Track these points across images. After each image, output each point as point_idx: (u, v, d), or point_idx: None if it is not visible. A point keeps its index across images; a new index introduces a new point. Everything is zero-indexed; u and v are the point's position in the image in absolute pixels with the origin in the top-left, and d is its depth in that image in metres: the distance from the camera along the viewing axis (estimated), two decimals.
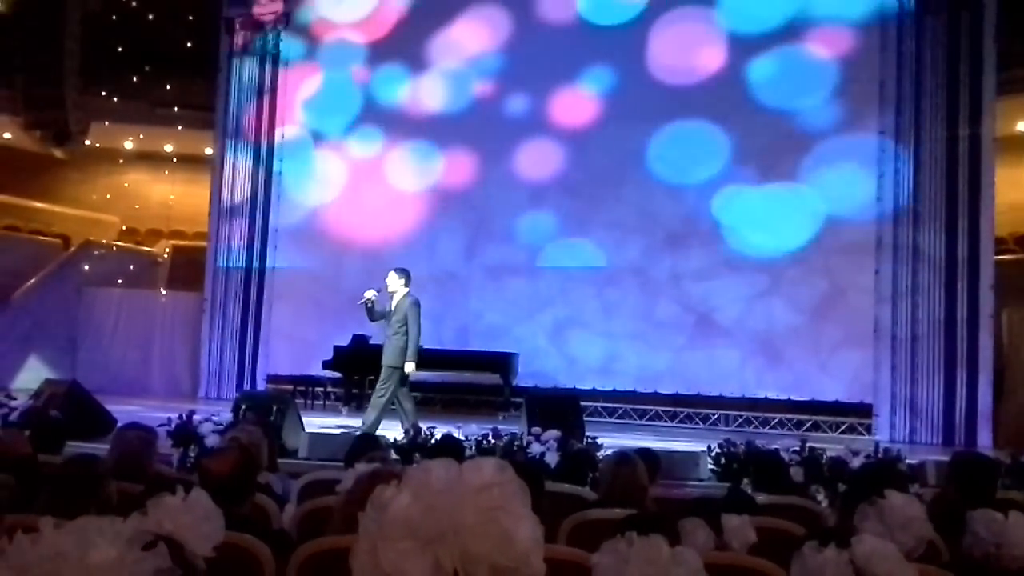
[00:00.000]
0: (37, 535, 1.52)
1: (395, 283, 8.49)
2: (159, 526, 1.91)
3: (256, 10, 13.71)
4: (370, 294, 8.44)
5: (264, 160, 13.59)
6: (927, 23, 10.90)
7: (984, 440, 10.12)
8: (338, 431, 8.31)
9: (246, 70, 13.73)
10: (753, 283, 11.41)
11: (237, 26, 13.80)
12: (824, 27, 11.34)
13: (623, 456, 3.88)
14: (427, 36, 12.96)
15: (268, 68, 13.69)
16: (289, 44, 13.70)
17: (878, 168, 11.02)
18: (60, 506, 2.45)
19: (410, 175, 12.95)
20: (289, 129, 13.62)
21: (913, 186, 10.81)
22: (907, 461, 6.59)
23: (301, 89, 13.64)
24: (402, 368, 8.26)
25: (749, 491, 4.82)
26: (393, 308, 8.42)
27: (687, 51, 11.89)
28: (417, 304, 8.42)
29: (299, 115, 13.63)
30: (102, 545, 1.51)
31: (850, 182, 11.10)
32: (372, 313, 8.51)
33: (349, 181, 13.27)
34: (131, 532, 1.61)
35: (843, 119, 11.21)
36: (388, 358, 8.31)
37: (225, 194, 13.71)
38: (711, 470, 6.58)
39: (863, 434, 10.69)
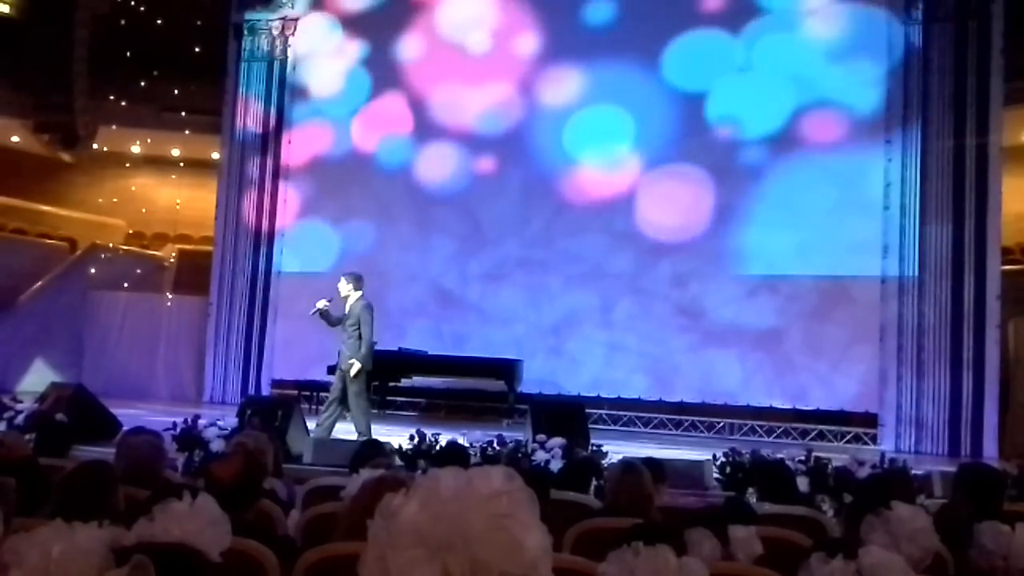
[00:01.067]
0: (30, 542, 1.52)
1: (346, 288, 8.83)
2: (166, 531, 1.92)
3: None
4: (321, 303, 8.77)
5: (271, 165, 13.60)
6: (934, 32, 10.89)
7: (990, 451, 10.09)
8: (342, 437, 8.30)
9: (254, 75, 13.75)
10: (758, 293, 11.39)
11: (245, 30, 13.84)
12: (830, 37, 11.34)
13: (629, 465, 3.87)
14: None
15: (276, 72, 13.70)
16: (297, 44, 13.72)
17: (885, 177, 11.01)
18: (68, 511, 2.44)
19: (416, 176, 12.95)
20: (296, 131, 13.63)
21: (920, 196, 10.80)
22: (913, 472, 6.57)
23: (311, 85, 13.65)
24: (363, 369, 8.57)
25: (754, 500, 4.82)
26: (347, 312, 8.71)
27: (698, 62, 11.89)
28: (370, 308, 8.73)
29: (306, 112, 13.64)
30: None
31: (857, 191, 11.09)
32: (328, 320, 8.83)
33: (357, 179, 13.26)
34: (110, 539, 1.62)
35: (849, 128, 11.20)
36: (346, 362, 8.58)
37: (232, 199, 13.73)
38: (716, 479, 6.57)
39: (868, 444, 10.66)
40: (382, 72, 13.20)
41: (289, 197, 13.56)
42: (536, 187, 12.41)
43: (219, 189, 14.08)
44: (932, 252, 10.72)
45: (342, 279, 9.00)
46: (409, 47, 13.14)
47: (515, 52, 12.64)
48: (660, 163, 11.94)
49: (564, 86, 12.35)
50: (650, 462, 4.35)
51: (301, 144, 13.60)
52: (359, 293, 8.76)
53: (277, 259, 13.46)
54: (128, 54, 17.05)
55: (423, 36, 13.08)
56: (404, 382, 12.16)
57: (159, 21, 17.20)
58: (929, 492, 6.08)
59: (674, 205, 11.86)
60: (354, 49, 13.43)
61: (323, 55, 13.62)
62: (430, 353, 11.67)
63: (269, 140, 13.63)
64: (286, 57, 13.72)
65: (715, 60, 11.81)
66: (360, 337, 8.58)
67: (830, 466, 6.38)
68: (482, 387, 11.87)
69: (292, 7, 13.74)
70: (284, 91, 13.68)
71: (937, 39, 10.86)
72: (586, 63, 12.25)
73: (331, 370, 11.39)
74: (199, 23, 16.68)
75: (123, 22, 17.26)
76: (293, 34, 13.71)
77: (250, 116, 13.72)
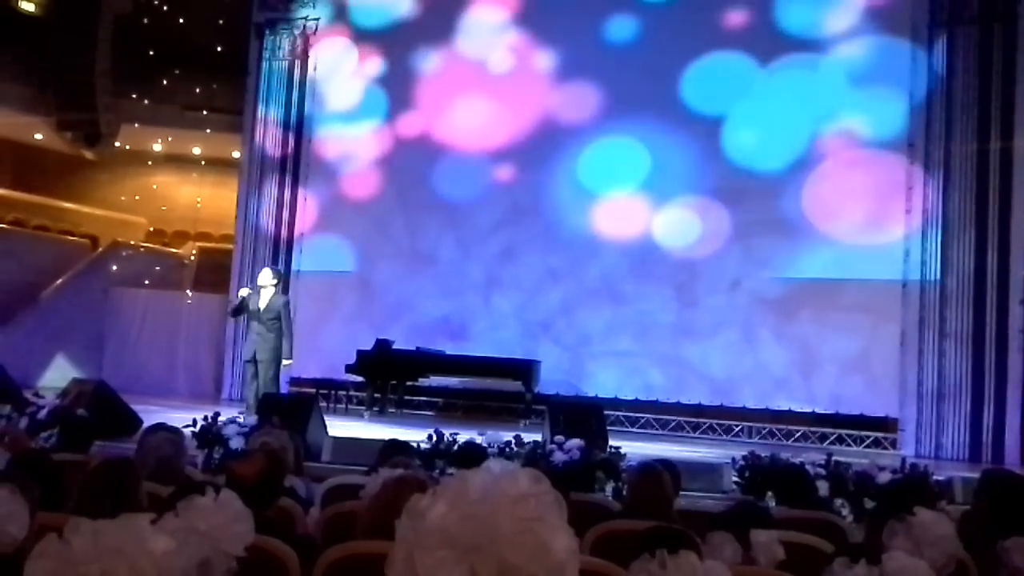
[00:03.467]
0: (81, 531, 1.55)
1: (269, 280, 9.32)
2: (191, 526, 1.93)
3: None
4: (244, 292, 9.42)
5: (291, 163, 13.66)
6: (958, 34, 10.80)
7: (1012, 457, 9.98)
8: (362, 436, 8.32)
9: (275, 74, 13.81)
10: (778, 296, 11.34)
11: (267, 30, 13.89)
12: (851, 37, 11.27)
13: (648, 466, 3.86)
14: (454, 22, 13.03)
15: (297, 71, 13.76)
16: (318, 43, 13.78)
17: (907, 180, 10.93)
18: (91, 507, 2.47)
19: (433, 187, 12.98)
20: (317, 127, 13.69)
21: (943, 200, 10.71)
22: (934, 477, 6.52)
23: (330, 91, 13.71)
24: (279, 362, 9.08)
25: (773, 504, 4.80)
26: (264, 306, 9.13)
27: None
28: (288, 304, 9.39)
29: (328, 114, 13.69)
30: (158, 538, 1.56)
31: (878, 195, 11.02)
32: (238, 310, 9.47)
33: (376, 184, 13.31)
34: (175, 528, 1.65)
35: (871, 131, 11.12)
36: (263, 352, 9.02)
37: (252, 197, 13.79)
38: (735, 482, 6.54)
39: (888, 448, 10.58)
40: (400, 83, 13.25)
41: (308, 197, 13.61)
42: (552, 198, 12.40)
43: (239, 188, 14.14)
44: (954, 256, 10.63)
45: (266, 270, 9.61)
46: (427, 62, 13.16)
47: (533, 69, 12.63)
48: (675, 193, 11.90)
49: (582, 103, 12.32)
50: (665, 464, 4.35)
51: (321, 146, 13.66)
52: (278, 288, 9.39)
53: (296, 258, 13.51)
54: (150, 53, 17.22)
55: (441, 51, 13.10)
56: (421, 382, 12.22)
57: (181, 20, 17.36)
58: (950, 498, 6.03)
59: (693, 214, 11.81)
60: (372, 61, 13.46)
61: (342, 66, 13.64)
62: (448, 353, 11.70)
63: (289, 139, 13.68)
64: (307, 57, 13.76)
65: (734, 82, 11.74)
66: (280, 331, 9.11)
67: (850, 471, 6.33)
68: (499, 387, 11.88)
69: (313, 7, 13.78)
70: (304, 91, 13.72)
71: (961, 41, 10.77)
72: (604, 80, 12.23)
73: (349, 369, 11.48)
74: (221, 22, 16.82)
75: (145, 21, 17.42)
76: (314, 33, 13.76)
77: (270, 115, 13.78)
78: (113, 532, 1.56)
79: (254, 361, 9.19)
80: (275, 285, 9.34)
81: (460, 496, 1.25)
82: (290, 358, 9.26)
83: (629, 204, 12.10)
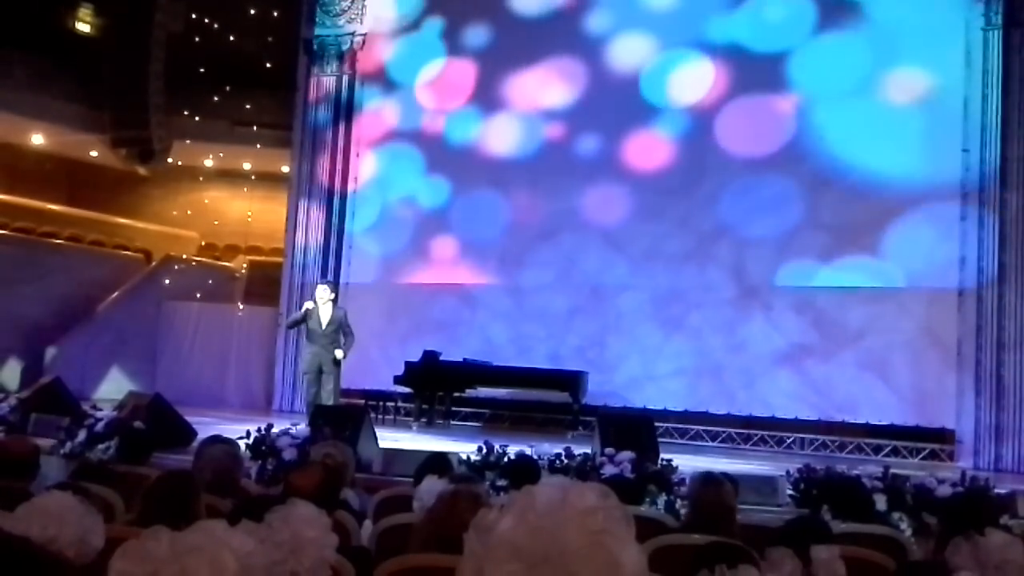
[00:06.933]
0: (160, 536, 1.59)
1: (326, 295, 9.77)
2: (295, 534, 1.97)
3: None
4: (309, 305, 9.75)
5: (340, 178, 13.79)
6: (1015, 35, 10.57)
7: None
8: (412, 447, 8.35)
9: (324, 89, 13.98)
10: (832, 304, 11.16)
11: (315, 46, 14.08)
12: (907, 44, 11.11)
13: (710, 477, 3.81)
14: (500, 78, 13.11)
15: (345, 87, 13.92)
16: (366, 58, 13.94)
17: (961, 187, 10.70)
18: (152, 519, 2.50)
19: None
20: (365, 146, 13.83)
21: (999, 206, 10.47)
22: (995, 490, 6.36)
23: (378, 107, 13.85)
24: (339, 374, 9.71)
25: (829, 518, 4.71)
26: (327, 321, 9.59)
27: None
28: (347, 314, 9.85)
29: (376, 131, 13.83)
30: (239, 536, 1.59)
31: (932, 202, 10.79)
32: (297, 322, 9.91)
33: (424, 196, 13.40)
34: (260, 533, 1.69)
35: (924, 137, 10.91)
36: (328, 364, 9.57)
37: (301, 211, 13.96)
38: (790, 495, 6.43)
39: (945, 461, 10.35)
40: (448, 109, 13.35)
41: (356, 209, 13.74)
42: (604, 174, 12.39)
43: (289, 201, 14.32)
44: (1012, 263, 10.38)
45: (324, 286, 10.01)
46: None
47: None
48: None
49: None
50: (723, 476, 4.29)
51: (368, 156, 13.80)
52: (335, 301, 9.90)
53: (345, 270, 13.63)
54: (201, 70, 17.54)
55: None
56: (468, 393, 12.23)
57: (231, 38, 17.64)
58: (1013, 511, 5.88)
59: (751, 207, 11.66)
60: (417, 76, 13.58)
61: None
62: (494, 364, 11.70)
63: (338, 154, 13.83)
64: (354, 72, 13.92)
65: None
66: (345, 338, 9.66)
67: (908, 483, 6.20)
68: (546, 398, 11.85)
69: (360, 23, 13.93)
70: (352, 106, 13.88)
71: (1017, 39, 10.54)
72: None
73: (397, 380, 11.54)
74: (270, 39, 17.06)
75: (196, 39, 17.75)
76: (361, 49, 13.91)
77: (319, 130, 13.94)
78: (193, 533, 1.61)
79: (319, 374, 9.49)
80: (333, 300, 9.78)
81: (528, 510, 1.24)
82: (344, 356, 9.70)
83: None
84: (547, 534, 1.21)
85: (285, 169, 15.51)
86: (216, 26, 17.88)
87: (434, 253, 13.22)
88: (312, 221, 13.84)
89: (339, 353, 9.62)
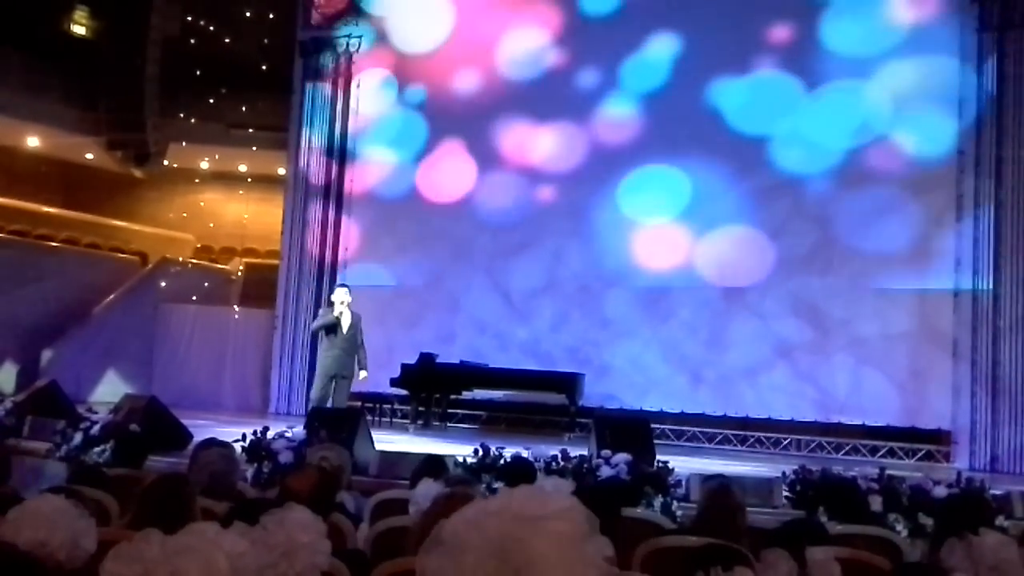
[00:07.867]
0: (151, 537, 1.58)
1: (347, 297, 9.48)
2: (290, 538, 1.97)
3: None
4: (340, 310, 9.39)
5: (335, 180, 13.78)
6: (1009, 39, 10.59)
7: None
8: (408, 450, 8.34)
9: (319, 92, 13.96)
10: (825, 305, 11.18)
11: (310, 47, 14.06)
12: (898, 53, 11.12)
13: (716, 482, 3.81)
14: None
15: (340, 90, 13.90)
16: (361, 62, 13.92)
17: (957, 188, 10.72)
18: (147, 523, 2.50)
19: (474, 205, 13.05)
20: (360, 147, 13.82)
21: (994, 206, 10.49)
22: (991, 491, 6.35)
23: (373, 107, 13.83)
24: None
25: (825, 520, 4.71)
26: (348, 324, 9.39)
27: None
28: (361, 319, 9.58)
29: (371, 135, 13.82)
30: (231, 538, 1.59)
31: (928, 203, 10.82)
32: (328, 328, 9.44)
33: (419, 201, 13.40)
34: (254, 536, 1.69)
35: (920, 139, 10.93)
36: (348, 369, 9.42)
37: (297, 213, 13.94)
38: (786, 497, 6.43)
39: (941, 461, 10.36)
40: (440, 109, 13.34)
41: (352, 213, 13.73)
42: (594, 219, 12.40)
43: (285, 204, 14.30)
44: (1008, 265, 10.39)
45: (344, 289, 9.70)
46: (467, 84, 13.22)
47: (573, 88, 12.62)
48: (717, 220, 11.83)
49: (622, 124, 12.33)
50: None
51: (363, 162, 13.79)
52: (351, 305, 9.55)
53: (340, 273, 13.61)
54: (197, 73, 17.55)
55: (481, 73, 13.18)
56: (465, 395, 12.23)
57: (227, 40, 17.66)
58: (1009, 513, 5.88)
59: (734, 226, 11.72)
60: (413, 85, 13.59)
61: (383, 85, 13.80)
62: (491, 366, 11.70)
63: (333, 156, 13.82)
64: (350, 77, 13.91)
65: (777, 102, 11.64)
66: (359, 344, 9.44)
67: (904, 485, 6.19)
68: (543, 400, 11.85)
69: (356, 26, 13.91)
70: (348, 109, 13.86)
71: (1012, 44, 10.56)
72: (645, 99, 12.25)
73: (393, 382, 11.53)
74: (266, 41, 17.08)
75: (192, 42, 17.77)
76: (357, 52, 13.89)
77: (314, 133, 13.92)
78: (185, 535, 1.61)
79: (335, 377, 9.42)
80: (349, 303, 9.59)
81: (494, 514, 1.25)
82: (366, 370, 9.60)
83: (669, 226, 12.07)
84: (510, 537, 1.21)
85: (281, 171, 15.50)
86: (212, 28, 17.90)
87: (434, 253, 13.20)
88: (309, 223, 13.81)
89: (363, 374, 9.59)
